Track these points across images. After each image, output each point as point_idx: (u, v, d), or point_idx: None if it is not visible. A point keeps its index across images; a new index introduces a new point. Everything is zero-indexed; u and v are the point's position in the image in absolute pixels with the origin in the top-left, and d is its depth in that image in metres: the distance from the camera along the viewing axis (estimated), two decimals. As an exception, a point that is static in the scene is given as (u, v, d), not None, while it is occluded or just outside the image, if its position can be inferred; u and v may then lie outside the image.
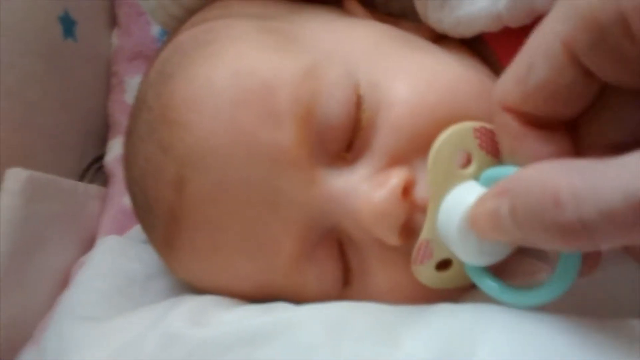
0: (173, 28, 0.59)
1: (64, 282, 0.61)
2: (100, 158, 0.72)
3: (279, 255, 0.43)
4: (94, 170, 0.72)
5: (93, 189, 0.68)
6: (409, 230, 0.41)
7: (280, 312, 0.42)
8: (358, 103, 0.42)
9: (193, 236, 0.44)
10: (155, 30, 0.73)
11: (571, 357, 0.33)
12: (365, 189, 0.41)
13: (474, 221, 0.36)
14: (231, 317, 0.43)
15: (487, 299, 0.40)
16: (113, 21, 0.76)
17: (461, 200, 0.38)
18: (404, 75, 0.43)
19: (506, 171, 0.37)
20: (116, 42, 0.75)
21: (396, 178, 0.41)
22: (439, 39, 0.51)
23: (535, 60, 0.34)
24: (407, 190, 0.41)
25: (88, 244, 0.64)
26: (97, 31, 0.74)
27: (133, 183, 0.49)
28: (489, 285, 0.39)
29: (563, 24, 0.33)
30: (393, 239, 0.41)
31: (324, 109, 0.42)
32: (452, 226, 0.38)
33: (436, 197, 0.39)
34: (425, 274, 0.41)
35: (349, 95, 0.42)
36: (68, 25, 0.68)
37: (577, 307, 0.37)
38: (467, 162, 0.40)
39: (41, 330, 0.56)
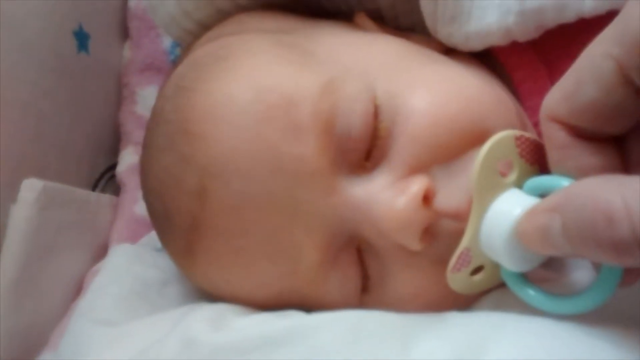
0: (187, 43, 0.60)
1: (77, 290, 0.62)
2: (111, 168, 0.74)
3: (302, 263, 0.44)
4: (105, 179, 0.73)
5: (105, 198, 0.70)
6: (430, 235, 0.42)
7: (297, 318, 0.43)
8: (375, 113, 0.43)
9: (215, 244, 0.45)
10: (166, 43, 0.75)
11: None
12: (386, 197, 0.42)
13: (523, 234, 0.36)
14: (249, 322, 0.44)
15: (500, 305, 0.41)
16: (125, 34, 0.78)
17: (508, 210, 0.38)
18: (424, 85, 0.45)
19: (553, 181, 0.37)
20: (128, 55, 0.77)
21: (417, 185, 0.42)
22: (449, 52, 0.53)
23: (584, 79, 0.35)
24: (427, 198, 0.42)
25: (101, 252, 0.66)
26: (109, 44, 0.76)
27: (151, 193, 0.50)
28: (527, 292, 0.39)
29: (616, 46, 0.33)
30: (415, 244, 0.42)
31: (343, 121, 0.43)
32: (498, 236, 0.38)
33: (479, 205, 0.39)
34: (459, 281, 0.41)
35: (367, 107, 0.43)
36: (82, 39, 0.70)
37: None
38: (507, 170, 0.40)
39: (57, 335, 0.57)
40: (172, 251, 0.50)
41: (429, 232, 0.42)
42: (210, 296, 0.49)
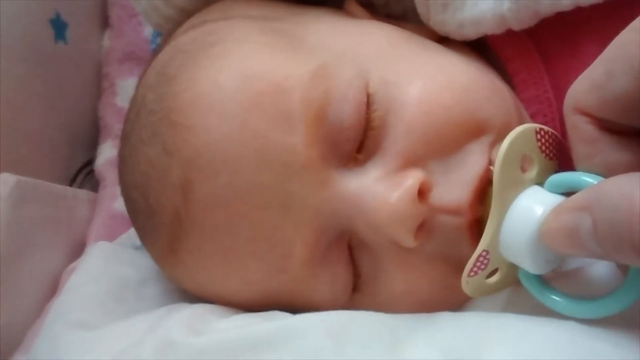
0: (167, 30, 0.59)
1: (53, 288, 0.60)
2: (90, 162, 0.72)
3: (291, 259, 0.42)
4: (84, 174, 0.71)
5: (82, 193, 0.68)
6: (425, 231, 0.41)
7: (282, 319, 0.42)
8: (369, 102, 0.42)
9: (200, 241, 0.44)
10: (147, 31, 0.73)
11: None
12: (380, 190, 0.41)
13: (548, 234, 0.35)
14: (230, 324, 0.43)
15: (489, 306, 0.40)
16: (105, 23, 0.76)
17: (531, 209, 0.36)
18: (419, 74, 0.43)
19: (578, 179, 0.36)
20: (107, 44, 0.75)
21: (412, 179, 0.40)
22: (441, 40, 0.51)
23: (615, 69, 0.33)
24: (422, 192, 0.41)
25: (78, 250, 0.64)
26: (88, 33, 0.74)
27: (132, 187, 0.48)
28: (549, 297, 0.38)
29: None
30: (409, 241, 0.40)
31: (336, 109, 0.42)
32: (521, 237, 0.36)
33: (500, 203, 0.37)
34: (473, 284, 0.40)
35: (360, 94, 0.42)
36: (59, 28, 0.68)
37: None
38: (527, 166, 0.39)
39: (31, 337, 0.56)
40: (153, 249, 0.49)
41: (424, 228, 0.41)
42: (192, 296, 0.48)
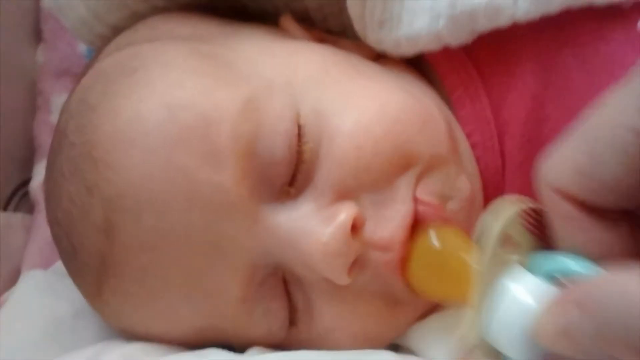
0: (99, 48, 0.56)
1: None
2: (26, 183, 0.69)
3: (224, 300, 0.41)
4: (19, 196, 0.69)
5: (16, 218, 0.66)
6: (357, 266, 0.40)
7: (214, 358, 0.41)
8: (299, 134, 0.41)
9: (127, 285, 0.42)
10: (82, 46, 0.70)
11: None
12: (312, 226, 0.40)
13: (545, 338, 0.32)
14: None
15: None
16: (38, 37, 0.73)
17: (521, 304, 0.34)
18: (351, 104, 0.43)
19: (566, 264, 0.34)
20: (41, 59, 0.72)
21: (344, 213, 0.40)
22: (380, 56, 0.51)
23: (602, 153, 0.31)
24: (355, 226, 0.40)
25: (12, 278, 0.62)
26: (20, 48, 0.71)
27: (55, 224, 0.46)
28: None
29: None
30: (343, 279, 0.40)
31: (266, 143, 0.40)
32: (512, 333, 0.34)
33: (483, 292, 0.35)
34: None
35: (291, 127, 0.41)
36: (-12, 42, 0.65)
37: None
38: (509, 244, 0.36)
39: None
40: (80, 287, 0.47)
41: (356, 264, 0.40)
42: (124, 334, 0.46)
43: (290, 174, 0.41)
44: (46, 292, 0.53)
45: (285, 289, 0.43)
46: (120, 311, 0.44)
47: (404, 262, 0.40)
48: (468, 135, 0.48)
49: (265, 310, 0.43)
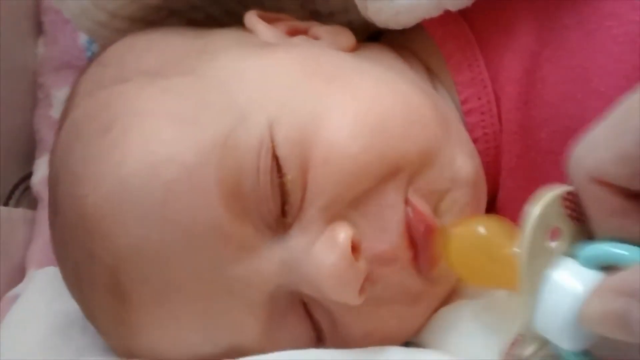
0: (100, 38, 0.57)
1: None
2: (26, 178, 0.69)
3: (246, 336, 0.42)
4: (20, 190, 0.69)
5: (18, 213, 0.66)
6: (367, 283, 0.41)
7: None
8: (278, 167, 0.41)
9: (148, 337, 0.43)
10: (83, 38, 0.70)
11: None
12: (315, 254, 0.40)
13: (592, 320, 0.33)
14: None
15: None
16: (38, 29, 0.72)
17: (568, 290, 0.34)
18: (326, 118, 0.42)
19: (615, 252, 0.34)
20: (42, 52, 0.72)
21: (342, 235, 0.40)
22: (361, 43, 0.51)
23: None
24: (354, 247, 0.40)
25: (16, 274, 0.62)
26: (20, 41, 0.71)
27: (68, 283, 0.48)
28: None
29: None
30: (355, 300, 0.40)
31: (249, 182, 0.40)
32: (560, 320, 0.34)
33: (530, 282, 0.35)
34: None
35: (268, 162, 0.40)
36: (-13, 35, 0.65)
37: None
38: (555, 233, 0.36)
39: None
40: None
41: (366, 281, 0.40)
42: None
43: (278, 207, 0.41)
44: (59, 291, 0.53)
45: (306, 310, 0.43)
46: (138, 349, 0.44)
47: (415, 259, 0.41)
48: (464, 102, 0.48)
49: (292, 336, 0.43)
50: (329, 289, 0.39)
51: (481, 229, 0.40)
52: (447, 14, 0.47)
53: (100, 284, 0.42)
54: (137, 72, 0.47)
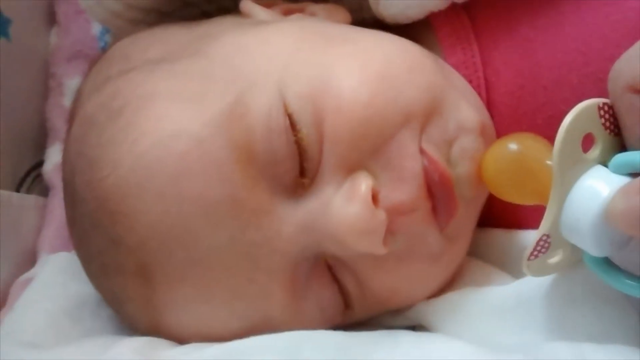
0: (114, 27, 0.58)
1: (4, 299, 0.59)
2: (38, 165, 0.70)
3: (273, 305, 0.43)
4: (32, 177, 0.69)
5: (30, 199, 0.66)
6: (390, 234, 0.41)
7: (233, 343, 0.42)
8: (292, 124, 0.41)
9: (178, 316, 0.44)
10: (96, 28, 0.71)
11: None
12: (336, 209, 0.41)
13: (616, 215, 0.34)
14: (177, 352, 0.43)
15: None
16: (52, 19, 0.73)
17: (595, 190, 0.35)
18: (330, 76, 0.43)
19: None
20: (55, 41, 0.72)
21: (363, 185, 0.40)
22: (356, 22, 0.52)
23: None
24: (374, 197, 0.41)
25: (27, 259, 0.63)
26: (34, 30, 0.71)
27: (93, 277, 0.49)
28: (621, 280, 0.37)
29: None
30: (380, 249, 0.41)
31: (263, 144, 0.41)
32: (585, 220, 0.35)
33: (560, 185, 0.36)
34: (535, 267, 0.39)
35: (282, 121, 0.41)
36: (2, 24, 0.66)
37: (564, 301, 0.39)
38: (590, 143, 0.37)
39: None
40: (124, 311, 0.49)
41: (388, 231, 0.41)
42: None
43: (297, 166, 0.42)
44: (72, 275, 0.54)
45: (332, 274, 0.44)
46: (176, 333, 0.45)
47: (433, 211, 0.42)
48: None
49: (318, 302, 0.44)
50: (353, 240, 0.40)
51: (513, 144, 0.41)
52: (451, 6, 0.48)
53: (127, 268, 0.43)
54: (142, 61, 0.48)
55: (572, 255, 0.39)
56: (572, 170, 0.36)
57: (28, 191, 0.68)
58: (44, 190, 0.69)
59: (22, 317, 0.51)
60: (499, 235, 0.49)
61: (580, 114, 0.36)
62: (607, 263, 0.37)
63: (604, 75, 0.42)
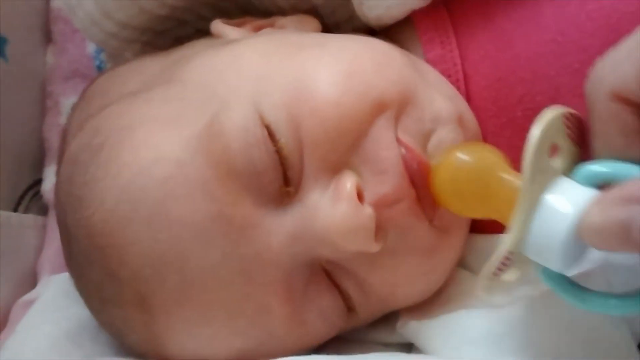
0: (109, 48, 0.59)
1: (4, 321, 0.59)
2: (36, 184, 0.70)
3: (273, 319, 0.43)
4: (30, 196, 0.69)
5: (29, 219, 0.67)
6: (381, 230, 0.41)
7: None
8: (270, 134, 0.42)
9: (178, 340, 0.44)
10: (91, 47, 0.71)
11: None
12: (324, 213, 0.41)
13: (592, 232, 0.32)
14: None
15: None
16: (48, 38, 0.74)
17: (565, 207, 0.34)
18: (299, 82, 0.43)
19: (618, 170, 0.34)
20: (51, 60, 0.73)
21: (348, 184, 0.41)
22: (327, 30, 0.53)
23: None
24: (360, 194, 0.41)
25: (27, 279, 0.63)
26: (30, 49, 0.72)
27: (97, 312, 0.49)
28: (580, 294, 0.36)
29: None
30: (373, 246, 0.41)
31: (243, 157, 0.41)
32: (554, 238, 0.34)
33: (528, 202, 0.34)
34: (488, 283, 0.37)
35: (259, 133, 0.41)
36: (-1, 44, 0.66)
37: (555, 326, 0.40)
38: (554, 152, 0.36)
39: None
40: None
41: (379, 227, 0.41)
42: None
43: (280, 176, 0.42)
44: (74, 298, 0.54)
45: (330, 280, 0.44)
46: (168, 347, 0.45)
47: (419, 199, 0.41)
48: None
49: (320, 310, 0.44)
50: (344, 240, 0.40)
51: (462, 155, 0.40)
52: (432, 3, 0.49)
53: (125, 300, 0.43)
54: (119, 95, 0.49)
55: (523, 272, 0.38)
56: (537, 183, 0.35)
57: (26, 210, 0.68)
58: (42, 209, 0.69)
59: (24, 340, 0.51)
60: (481, 240, 0.49)
61: (548, 125, 0.35)
62: (565, 279, 0.36)
63: (579, 66, 0.42)
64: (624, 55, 0.34)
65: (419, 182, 0.42)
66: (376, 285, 0.44)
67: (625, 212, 0.31)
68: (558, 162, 0.36)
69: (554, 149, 0.36)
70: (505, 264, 0.36)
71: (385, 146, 0.42)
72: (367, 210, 0.40)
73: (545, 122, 0.35)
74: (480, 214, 0.41)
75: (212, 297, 0.41)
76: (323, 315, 0.44)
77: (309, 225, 0.41)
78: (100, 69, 0.70)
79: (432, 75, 0.48)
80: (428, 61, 0.50)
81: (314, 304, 0.43)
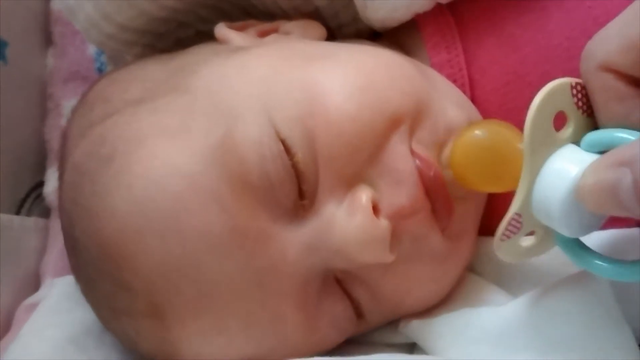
0: (109, 50, 0.59)
1: (6, 325, 0.59)
2: (38, 186, 0.70)
3: (288, 327, 0.43)
4: (32, 199, 0.70)
5: (30, 222, 0.67)
6: (395, 240, 0.42)
7: None
8: (286, 149, 0.42)
9: (194, 348, 0.44)
10: (91, 49, 0.71)
11: None
12: (339, 225, 0.41)
13: (584, 193, 0.34)
14: None
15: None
16: (48, 40, 0.74)
17: (565, 168, 0.35)
18: (312, 95, 0.43)
19: (617, 136, 0.35)
20: (51, 63, 0.73)
21: (364, 197, 0.41)
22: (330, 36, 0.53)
23: None
24: (375, 207, 0.41)
25: (29, 282, 0.63)
26: (30, 52, 0.72)
27: (107, 321, 0.49)
28: (592, 261, 0.37)
29: None
30: (388, 257, 0.41)
31: (259, 172, 0.41)
32: (554, 198, 0.35)
33: (531, 164, 0.36)
34: (507, 249, 0.38)
35: (275, 147, 0.41)
36: (-1, 47, 0.66)
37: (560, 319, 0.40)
38: (562, 123, 0.37)
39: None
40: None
41: (393, 238, 0.42)
42: None
43: (295, 189, 0.42)
44: (78, 301, 0.54)
45: (342, 288, 0.44)
46: (182, 355, 0.45)
47: (433, 211, 0.42)
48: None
49: (332, 317, 0.44)
50: (360, 252, 0.41)
51: (480, 131, 0.42)
52: (436, 6, 0.49)
53: (138, 310, 0.43)
54: (123, 103, 0.49)
55: (545, 239, 0.39)
56: (544, 149, 0.36)
57: (29, 212, 0.69)
58: (45, 211, 0.69)
59: (27, 344, 0.51)
60: (490, 243, 0.49)
61: (551, 91, 0.36)
62: (577, 245, 0.37)
63: None
64: (611, 32, 0.35)
65: (434, 193, 0.43)
66: (387, 292, 0.45)
67: (613, 174, 0.32)
68: (568, 130, 0.37)
69: (562, 119, 0.37)
70: (516, 226, 0.37)
71: (401, 158, 0.42)
72: (383, 223, 0.41)
73: (548, 90, 0.36)
74: (498, 186, 0.42)
75: (227, 308, 0.42)
76: (334, 322, 0.44)
77: (325, 237, 0.42)
78: (101, 71, 0.70)
79: (441, 82, 0.48)
80: (433, 65, 0.50)
81: (327, 311, 0.44)
